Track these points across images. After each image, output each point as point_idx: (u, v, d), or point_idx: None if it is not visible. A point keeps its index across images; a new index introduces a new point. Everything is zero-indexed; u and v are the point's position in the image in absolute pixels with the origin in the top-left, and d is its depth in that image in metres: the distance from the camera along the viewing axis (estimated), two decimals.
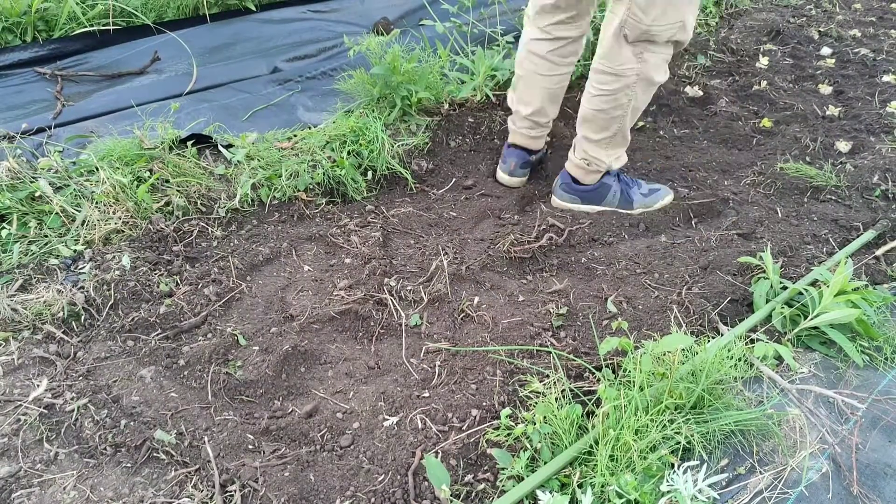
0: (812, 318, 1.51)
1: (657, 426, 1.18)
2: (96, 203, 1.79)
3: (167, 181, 1.91)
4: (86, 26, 2.75)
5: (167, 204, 1.88)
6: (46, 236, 1.72)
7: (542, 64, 2.01)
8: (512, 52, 2.74)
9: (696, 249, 1.91)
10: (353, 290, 1.69)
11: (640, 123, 2.71)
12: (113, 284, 1.60)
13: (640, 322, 1.63)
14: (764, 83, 3.02)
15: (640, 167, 2.40)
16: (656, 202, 2.10)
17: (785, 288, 1.65)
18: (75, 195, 1.81)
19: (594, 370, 1.42)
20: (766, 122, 2.68)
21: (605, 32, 1.76)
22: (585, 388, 1.40)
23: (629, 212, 2.08)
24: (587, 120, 1.93)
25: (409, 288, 1.71)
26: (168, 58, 2.71)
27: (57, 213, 1.75)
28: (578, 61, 2.78)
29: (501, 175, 2.24)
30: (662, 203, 2.11)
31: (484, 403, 1.38)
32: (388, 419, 1.35)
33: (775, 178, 2.28)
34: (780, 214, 2.09)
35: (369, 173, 2.16)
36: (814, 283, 1.64)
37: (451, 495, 1.17)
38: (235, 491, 1.19)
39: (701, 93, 2.92)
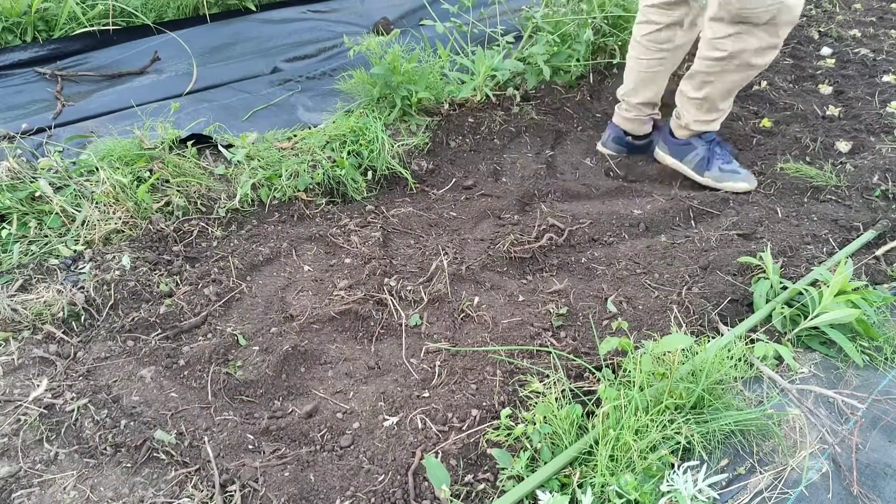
0: (812, 318, 1.51)
1: (657, 426, 1.18)
2: (96, 203, 1.79)
3: (167, 181, 1.91)
4: (86, 26, 2.75)
5: (167, 204, 1.88)
6: (46, 236, 1.72)
7: (636, 47, 2.20)
8: (512, 52, 2.74)
9: (697, 249, 1.91)
10: (353, 290, 1.69)
11: None
12: (113, 284, 1.60)
13: (640, 322, 1.63)
14: (764, 83, 3.02)
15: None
16: (727, 182, 2.15)
17: (785, 288, 1.65)
18: (75, 195, 1.81)
19: (594, 370, 1.42)
20: (766, 122, 2.68)
21: (707, 12, 1.90)
22: (585, 388, 1.40)
23: (698, 178, 2.19)
24: (689, 74, 2.07)
25: (409, 288, 1.71)
26: (168, 58, 2.71)
27: (57, 213, 1.75)
28: (577, 60, 2.78)
29: (598, 145, 2.47)
30: (734, 186, 2.15)
31: (484, 403, 1.38)
32: (388, 419, 1.35)
33: (775, 178, 2.28)
34: (780, 214, 2.09)
35: (369, 173, 2.16)
36: (814, 284, 1.64)
37: (451, 495, 1.17)
38: (235, 491, 1.19)
39: None
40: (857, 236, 1.94)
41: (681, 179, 2.32)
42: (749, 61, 1.88)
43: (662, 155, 2.28)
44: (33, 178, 1.82)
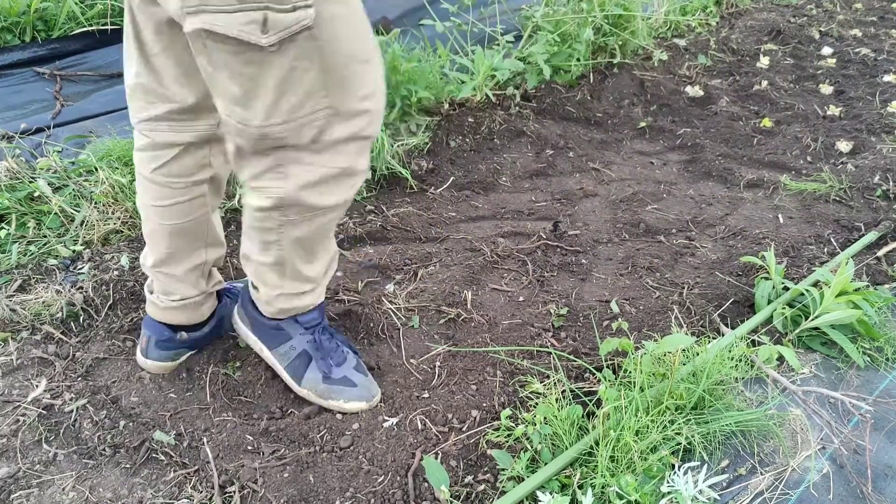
0: (813, 319, 1.51)
1: (658, 427, 1.18)
2: (95, 203, 1.79)
3: None
4: (85, 26, 2.74)
5: None
6: (45, 236, 1.72)
7: (149, 188, 1.24)
8: (512, 52, 2.73)
9: (698, 250, 1.91)
10: (353, 291, 1.68)
11: (642, 123, 2.71)
12: (112, 285, 1.60)
13: (641, 322, 1.63)
14: (765, 83, 3.02)
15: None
16: (334, 399, 1.34)
17: (787, 289, 1.64)
18: (74, 195, 1.81)
19: (595, 371, 1.42)
20: (767, 122, 2.68)
21: (226, 144, 1.07)
22: (586, 389, 1.39)
23: (294, 385, 1.37)
24: (245, 231, 1.21)
25: (409, 288, 1.70)
26: None
27: (56, 214, 1.75)
28: (577, 59, 2.77)
29: (138, 356, 1.42)
30: (343, 406, 1.34)
31: (484, 404, 1.38)
32: (387, 420, 1.34)
33: (776, 182, 2.28)
34: (781, 214, 2.09)
35: (369, 173, 2.16)
36: (815, 284, 1.64)
37: (450, 496, 1.17)
38: (234, 492, 1.18)
39: (701, 92, 2.91)
40: (859, 236, 1.94)
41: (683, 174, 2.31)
42: (314, 203, 1.07)
43: (244, 330, 1.39)
44: (32, 178, 1.81)
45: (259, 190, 1.06)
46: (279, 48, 0.89)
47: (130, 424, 1.30)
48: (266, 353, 1.37)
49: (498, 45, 2.67)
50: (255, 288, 1.30)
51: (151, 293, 1.37)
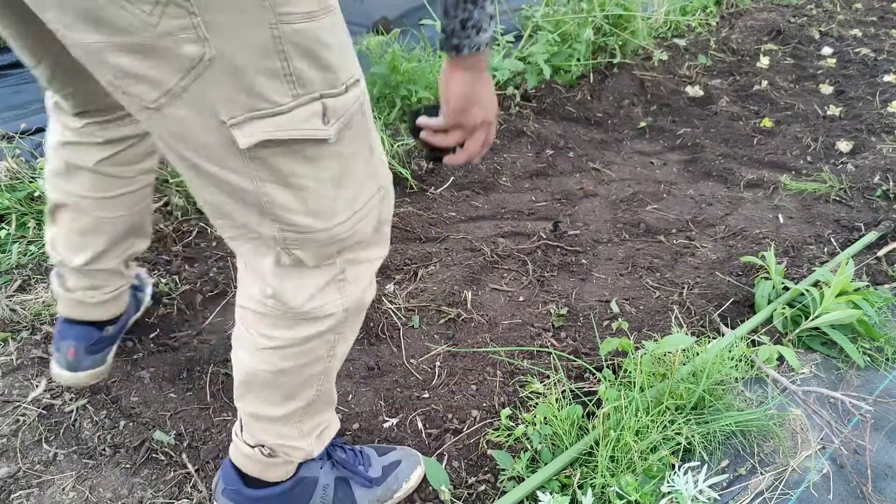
0: (813, 319, 1.51)
1: (658, 427, 1.18)
2: None
3: (166, 181, 1.90)
4: None
5: (166, 204, 1.87)
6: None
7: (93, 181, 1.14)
8: (512, 52, 2.73)
9: (698, 250, 1.91)
10: None
11: (642, 123, 2.71)
12: None
13: (641, 322, 1.63)
14: (765, 83, 3.02)
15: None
16: (397, 489, 1.17)
17: (787, 289, 1.64)
18: None
19: (595, 371, 1.42)
20: (767, 122, 2.68)
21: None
22: (586, 389, 1.39)
23: None
24: (246, 384, 0.97)
25: (409, 288, 1.70)
26: None
27: None
28: (577, 59, 2.77)
29: (56, 370, 1.28)
30: (407, 488, 1.18)
31: (484, 404, 1.38)
32: (387, 420, 1.34)
33: (776, 182, 2.28)
34: (781, 214, 2.09)
35: None
36: (815, 284, 1.64)
37: (451, 497, 1.17)
38: None
39: (701, 92, 2.91)
40: (859, 236, 1.94)
41: (684, 174, 2.31)
42: (368, 302, 0.94)
43: None
44: (32, 178, 1.81)
45: (314, 312, 0.86)
46: (337, 137, 0.75)
47: (130, 424, 1.30)
48: None
49: (498, 45, 2.67)
50: (269, 457, 1.00)
51: (71, 291, 1.23)
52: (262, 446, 1.00)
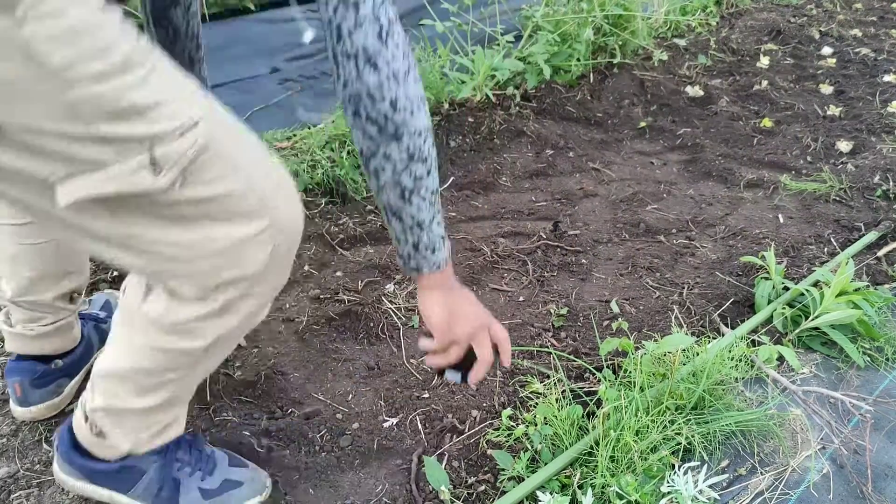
0: (813, 319, 1.51)
1: (658, 427, 1.18)
2: None
3: None
4: None
5: None
6: None
7: None
8: (512, 52, 2.73)
9: (698, 250, 1.91)
10: (353, 291, 1.68)
11: (642, 123, 2.71)
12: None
13: (641, 322, 1.63)
14: (765, 83, 3.02)
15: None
16: None
17: (787, 289, 1.64)
18: None
19: (595, 371, 1.42)
20: (767, 122, 2.68)
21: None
22: (586, 389, 1.39)
23: None
24: (106, 376, 0.98)
25: (409, 288, 1.71)
26: None
27: None
28: (577, 59, 2.77)
29: (11, 406, 1.28)
30: None
31: (484, 404, 1.38)
32: (387, 420, 1.34)
33: (776, 182, 2.28)
34: (781, 214, 2.09)
35: None
36: (815, 284, 1.64)
37: (451, 496, 1.17)
38: None
39: (701, 92, 2.91)
40: (859, 236, 1.94)
41: (685, 173, 2.30)
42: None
43: (78, 485, 1.09)
44: None
45: (196, 333, 0.86)
46: (183, 179, 0.71)
47: None
48: (121, 500, 1.09)
49: (498, 45, 2.67)
50: (98, 436, 1.01)
51: (12, 326, 1.21)
52: (95, 425, 1.00)
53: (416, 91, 0.78)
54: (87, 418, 1.01)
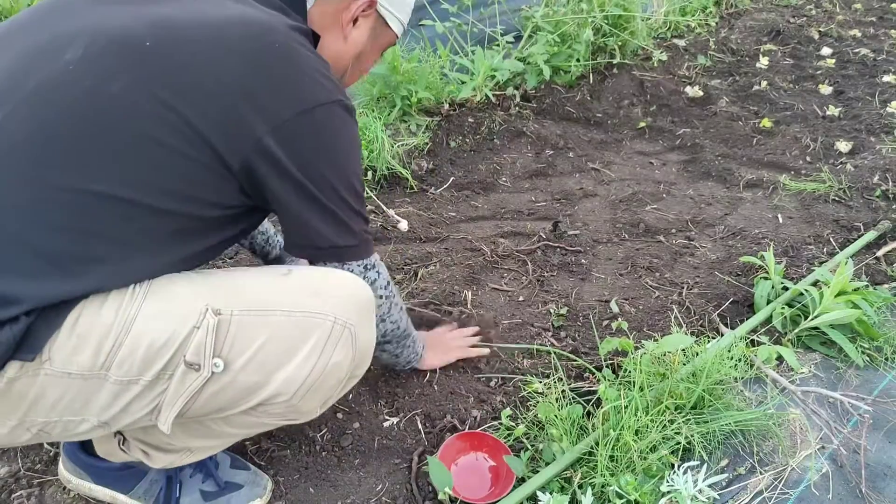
0: (812, 319, 1.51)
1: (657, 426, 1.18)
2: None
3: None
4: None
5: None
6: None
7: None
8: (512, 52, 2.73)
9: (697, 249, 1.91)
10: None
11: (642, 124, 2.71)
12: None
13: (641, 322, 1.63)
14: (764, 83, 3.02)
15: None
16: None
17: (786, 288, 1.65)
18: None
19: (594, 370, 1.42)
20: (766, 123, 2.68)
21: None
22: (586, 389, 1.39)
23: None
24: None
25: (409, 288, 1.71)
26: None
27: None
28: (577, 59, 2.78)
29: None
30: None
31: (484, 404, 1.38)
32: (388, 420, 1.35)
33: (776, 181, 2.28)
34: (781, 214, 2.09)
35: (369, 173, 2.16)
36: (815, 284, 1.64)
37: (451, 497, 1.17)
38: None
39: (701, 93, 2.92)
40: (858, 236, 1.94)
41: (684, 173, 2.31)
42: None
43: (83, 484, 1.13)
44: None
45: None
46: (226, 366, 0.86)
47: None
48: (123, 500, 1.11)
49: (498, 45, 2.67)
50: (119, 444, 1.06)
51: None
52: (124, 441, 1.05)
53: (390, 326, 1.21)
54: (122, 436, 1.05)
